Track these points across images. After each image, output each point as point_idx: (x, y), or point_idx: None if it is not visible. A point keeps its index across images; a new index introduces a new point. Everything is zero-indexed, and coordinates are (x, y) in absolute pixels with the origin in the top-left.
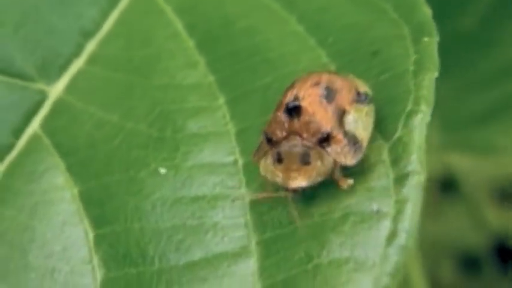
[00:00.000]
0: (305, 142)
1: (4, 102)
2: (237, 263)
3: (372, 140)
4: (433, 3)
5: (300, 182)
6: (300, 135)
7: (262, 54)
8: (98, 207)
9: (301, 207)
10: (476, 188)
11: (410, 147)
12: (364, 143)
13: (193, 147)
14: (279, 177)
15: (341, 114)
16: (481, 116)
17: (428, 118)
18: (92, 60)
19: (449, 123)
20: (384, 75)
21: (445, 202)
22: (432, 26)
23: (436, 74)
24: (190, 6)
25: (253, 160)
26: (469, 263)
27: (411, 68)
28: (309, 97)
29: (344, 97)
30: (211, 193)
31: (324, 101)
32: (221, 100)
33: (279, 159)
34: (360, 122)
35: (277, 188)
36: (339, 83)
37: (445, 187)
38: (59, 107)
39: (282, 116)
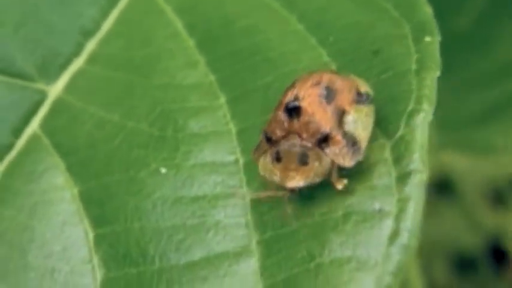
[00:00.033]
0: (304, 142)
1: (4, 102)
2: (238, 262)
3: (374, 138)
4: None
5: (297, 181)
6: (299, 135)
7: (262, 54)
8: (98, 207)
9: (302, 207)
10: (472, 188)
11: (412, 146)
12: (363, 144)
13: (194, 146)
14: (277, 176)
15: (341, 115)
16: (477, 115)
17: (430, 117)
18: (92, 59)
19: (445, 123)
20: (386, 74)
21: (440, 203)
22: (433, 25)
23: (438, 73)
24: (190, 6)
25: (253, 158)
26: (464, 264)
27: (413, 67)
28: (309, 97)
29: (344, 97)
30: (212, 192)
31: (324, 101)
32: (222, 99)
33: (278, 159)
34: (359, 122)
35: (278, 187)
36: (339, 83)
37: (440, 187)
38: (59, 106)
39: (281, 115)
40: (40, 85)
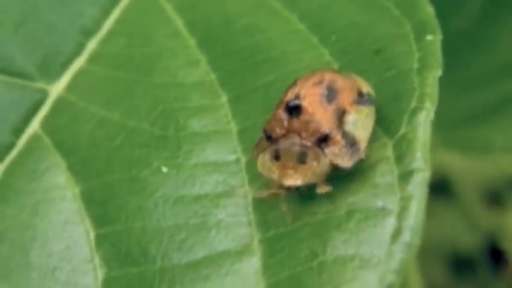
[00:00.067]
0: (303, 141)
1: (4, 102)
2: (240, 261)
3: (376, 137)
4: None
5: (295, 180)
6: (299, 134)
7: (264, 53)
8: (100, 207)
9: (304, 205)
10: (470, 188)
11: (414, 144)
12: (362, 145)
13: (195, 145)
14: (275, 174)
15: (341, 115)
16: (476, 115)
17: (432, 115)
18: (93, 58)
19: (443, 122)
20: (388, 73)
21: (437, 203)
22: (435, 23)
23: (440, 72)
24: (190, 5)
25: (252, 155)
26: (462, 264)
27: (415, 65)
28: (310, 96)
29: (345, 97)
30: (214, 191)
31: (325, 100)
32: (223, 98)
33: (277, 157)
34: (359, 123)
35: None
36: (340, 82)
37: (438, 187)
38: (60, 106)
39: (282, 114)
40: (40, 84)
